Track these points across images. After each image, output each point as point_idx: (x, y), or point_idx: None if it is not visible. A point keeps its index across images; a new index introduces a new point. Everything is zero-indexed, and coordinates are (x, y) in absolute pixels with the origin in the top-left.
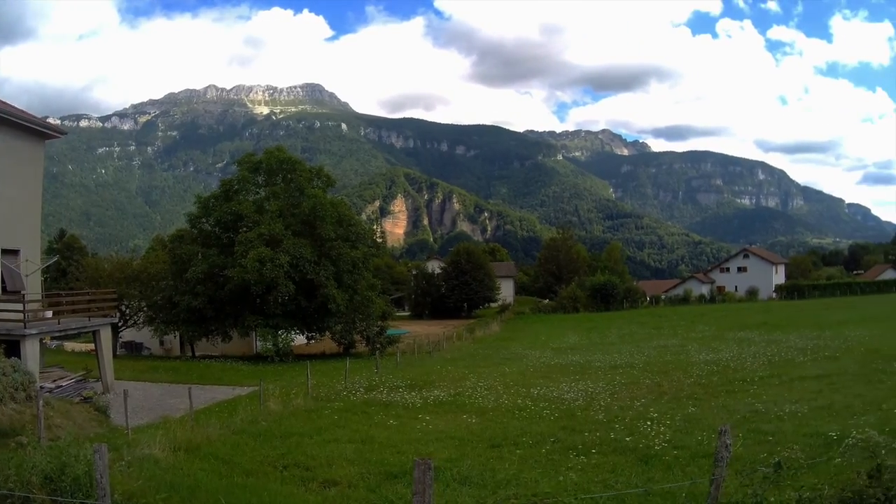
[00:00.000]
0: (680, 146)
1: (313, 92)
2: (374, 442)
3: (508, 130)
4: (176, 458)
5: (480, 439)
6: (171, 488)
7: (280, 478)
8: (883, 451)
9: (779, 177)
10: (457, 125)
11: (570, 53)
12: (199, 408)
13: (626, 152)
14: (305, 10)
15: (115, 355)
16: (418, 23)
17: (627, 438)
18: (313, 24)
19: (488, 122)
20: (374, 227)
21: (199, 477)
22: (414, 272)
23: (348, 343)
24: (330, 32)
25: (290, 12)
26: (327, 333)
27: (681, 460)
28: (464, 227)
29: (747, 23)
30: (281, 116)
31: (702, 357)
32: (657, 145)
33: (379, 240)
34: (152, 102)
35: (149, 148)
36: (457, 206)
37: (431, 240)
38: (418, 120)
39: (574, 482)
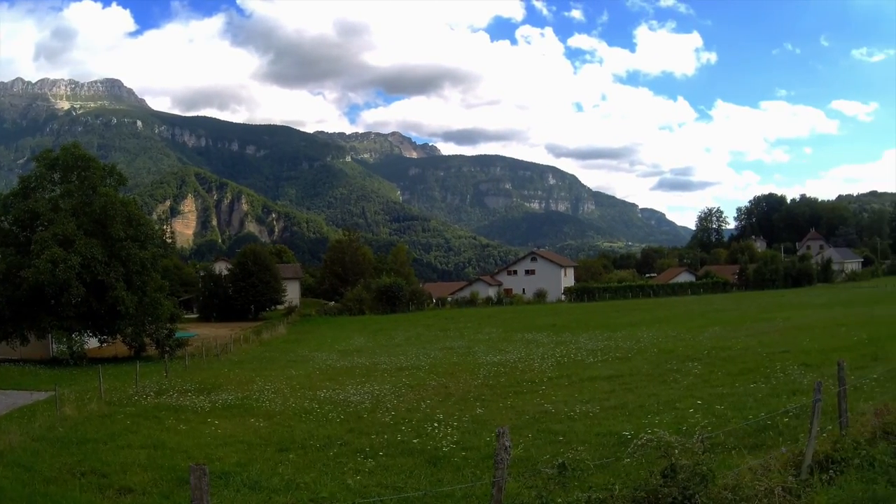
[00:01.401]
0: (470, 150)
1: (112, 88)
2: (165, 447)
3: (298, 131)
4: None
5: (269, 443)
6: None
7: (79, 485)
8: (676, 451)
9: (570, 182)
10: (248, 125)
11: (365, 55)
12: (0, 414)
13: (415, 155)
14: (114, 4)
15: None
16: (219, 20)
17: (415, 440)
18: (119, 18)
19: (279, 122)
20: (164, 227)
21: (3, 485)
22: (202, 274)
23: (139, 346)
24: (134, 27)
25: (99, 5)
26: (118, 336)
27: (470, 461)
28: (252, 228)
29: (548, 30)
30: (81, 112)
31: (489, 359)
32: (447, 149)
33: (168, 240)
34: None
35: None
36: (245, 206)
37: (220, 241)
38: (211, 119)
39: (362, 485)
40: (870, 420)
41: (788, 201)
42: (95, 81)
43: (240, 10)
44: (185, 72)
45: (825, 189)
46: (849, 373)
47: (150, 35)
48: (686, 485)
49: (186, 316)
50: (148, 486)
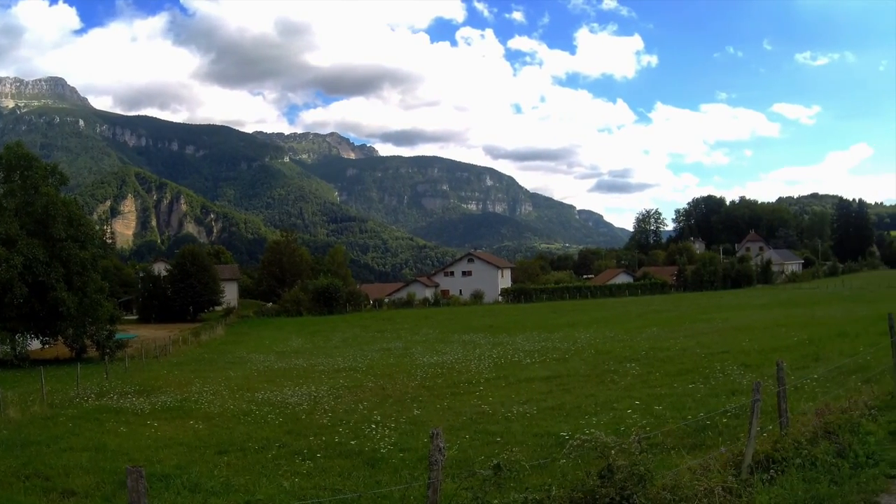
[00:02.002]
0: (408, 151)
1: (56, 86)
2: (106, 450)
3: (238, 131)
4: None
5: (208, 445)
6: None
7: (23, 488)
8: (613, 452)
9: (507, 183)
10: (188, 124)
11: (306, 55)
12: None
13: (353, 156)
14: (61, 1)
15: None
16: (162, 18)
17: (353, 442)
18: (66, 16)
19: (219, 122)
20: (105, 227)
21: None
22: (141, 275)
23: (80, 348)
24: (80, 24)
25: (45, 2)
26: (60, 338)
27: (408, 463)
28: (191, 228)
29: (489, 32)
30: (25, 111)
31: (426, 360)
32: (385, 150)
33: (108, 241)
34: None
35: None
36: (184, 207)
37: (159, 241)
38: (152, 118)
39: (300, 486)
40: (811, 420)
41: (728, 203)
42: (40, 80)
43: (183, 9)
44: (127, 71)
45: (765, 191)
46: (790, 373)
47: (95, 33)
48: (624, 485)
49: (126, 317)
50: (90, 488)
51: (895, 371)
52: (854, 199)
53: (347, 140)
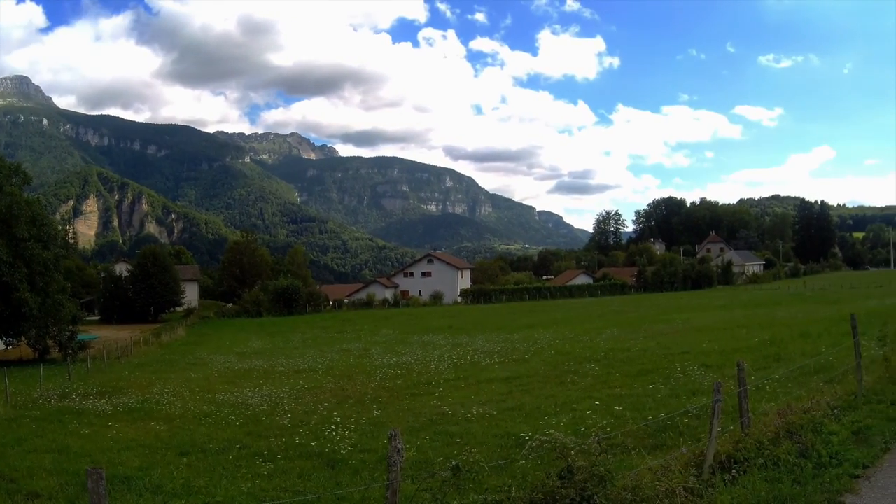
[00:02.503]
0: (368, 152)
1: (21, 85)
2: (69, 452)
3: (199, 131)
4: None
5: (169, 447)
6: None
7: None
8: (573, 452)
9: (467, 184)
10: (150, 124)
11: (269, 55)
12: None
13: (313, 156)
14: None
15: None
16: (127, 17)
17: (313, 443)
18: (32, 14)
19: (181, 122)
20: (67, 227)
21: None
22: (103, 275)
23: (43, 348)
24: (46, 23)
25: (13, 0)
26: (23, 338)
27: (368, 464)
28: (152, 228)
29: (451, 32)
30: None
31: (386, 361)
32: (345, 150)
33: (71, 241)
34: None
35: None
36: (146, 207)
37: (121, 241)
38: (115, 117)
39: (260, 488)
40: (773, 420)
41: (688, 205)
42: (5, 78)
43: (147, 8)
44: (91, 69)
45: (726, 193)
46: (751, 373)
47: (60, 32)
48: (584, 486)
49: (88, 318)
50: (54, 490)
51: (858, 371)
52: (816, 201)
53: (308, 140)
